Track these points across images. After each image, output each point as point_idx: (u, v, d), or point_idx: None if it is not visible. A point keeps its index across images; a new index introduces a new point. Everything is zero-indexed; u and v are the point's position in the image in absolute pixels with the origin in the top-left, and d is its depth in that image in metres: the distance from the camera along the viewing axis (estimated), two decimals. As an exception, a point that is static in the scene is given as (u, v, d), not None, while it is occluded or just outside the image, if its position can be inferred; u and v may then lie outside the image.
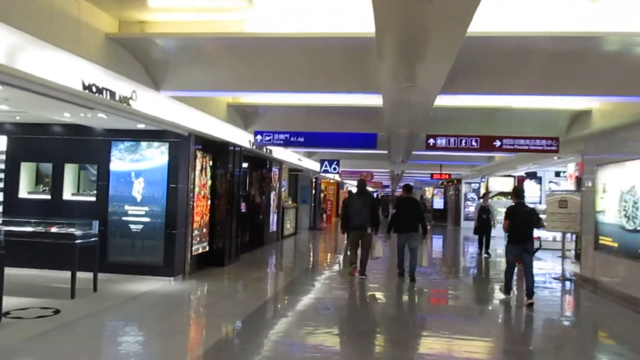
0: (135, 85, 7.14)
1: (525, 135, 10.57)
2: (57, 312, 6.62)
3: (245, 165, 15.15)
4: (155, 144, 9.22)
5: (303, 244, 18.56)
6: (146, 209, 9.20)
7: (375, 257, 10.23)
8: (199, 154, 10.04)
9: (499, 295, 9.01)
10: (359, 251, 10.09)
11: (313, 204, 23.46)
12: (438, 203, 35.81)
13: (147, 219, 9.19)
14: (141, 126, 8.66)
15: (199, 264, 10.29)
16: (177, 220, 9.15)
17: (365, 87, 7.42)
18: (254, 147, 12.49)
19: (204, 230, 10.43)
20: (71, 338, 5.84)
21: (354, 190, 40.61)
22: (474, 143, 10.87)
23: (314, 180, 23.38)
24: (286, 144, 11.26)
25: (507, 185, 23.32)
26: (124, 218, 9.23)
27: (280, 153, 15.62)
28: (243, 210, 14.93)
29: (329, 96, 9.69)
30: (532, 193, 21.55)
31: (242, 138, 11.56)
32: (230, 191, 11.21)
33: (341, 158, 19.63)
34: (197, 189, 9.94)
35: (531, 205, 9.02)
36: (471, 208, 29.06)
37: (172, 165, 9.16)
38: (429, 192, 43.35)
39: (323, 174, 22.15)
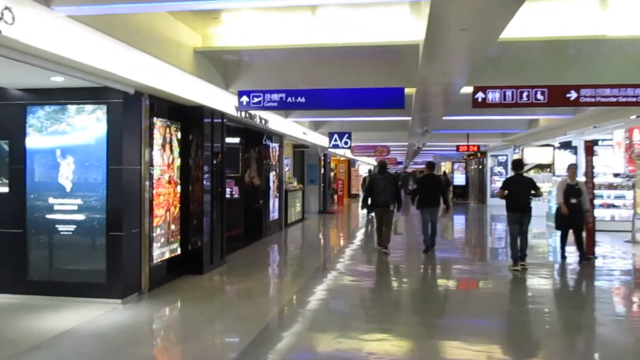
0: None
1: (618, 81, 7.56)
2: None
3: (236, 140, 12.30)
4: (88, 107, 6.35)
5: (312, 232, 15.70)
6: (79, 201, 6.38)
7: (398, 234, 10.65)
8: (158, 122, 7.16)
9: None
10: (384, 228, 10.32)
11: (322, 185, 20.58)
12: (459, 179, 32.71)
13: (80, 217, 6.37)
14: (58, 79, 5.79)
15: (169, 273, 7.51)
16: (124, 217, 6.33)
17: None
18: (241, 114, 9.58)
19: (172, 227, 7.61)
20: None
21: (362, 168, 37.96)
22: (539, 96, 7.89)
23: (322, 157, 20.45)
24: (282, 106, 8.32)
25: (546, 156, 20.28)
26: (49, 216, 6.42)
27: (279, 124, 12.71)
28: (235, 195, 12.09)
29: (338, 27, 6.84)
30: (564, 165, 18.45)
31: (223, 101, 8.66)
32: (210, 173, 8.36)
33: (353, 130, 16.67)
34: (157, 172, 7.09)
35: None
36: (498, 183, 26.10)
37: (114, 138, 6.30)
38: (446, 167, 40.26)
39: (332, 150, 19.23)
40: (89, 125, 6.34)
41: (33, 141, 6.43)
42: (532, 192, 8.62)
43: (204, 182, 8.18)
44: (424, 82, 7.64)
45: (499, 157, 26.29)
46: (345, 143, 16.52)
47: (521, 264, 8.51)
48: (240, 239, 11.75)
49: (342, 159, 28.20)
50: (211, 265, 8.40)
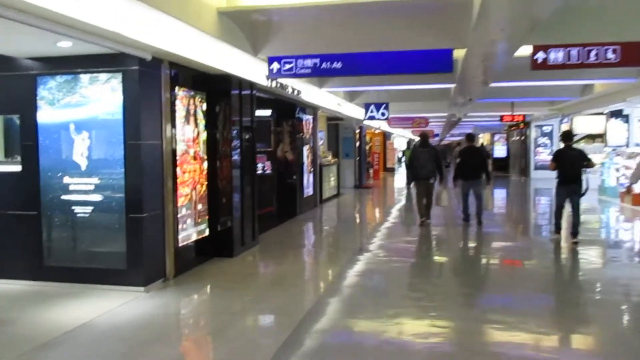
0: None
1: None
2: None
3: (267, 113, 11.62)
4: (102, 76, 5.72)
5: (349, 208, 15.01)
6: (95, 181, 5.81)
7: (442, 206, 10.56)
8: (180, 92, 6.51)
9: None
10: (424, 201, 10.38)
11: (358, 158, 19.77)
12: (500, 151, 31.32)
13: (97, 197, 5.81)
14: (65, 45, 5.17)
15: (196, 257, 6.96)
16: (144, 197, 5.74)
17: None
18: (272, 84, 8.86)
19: (199, 206, 7.01)
20: None
21: (396, 140, 36.81)
22: (610, 55, 6.90)
23: (357, 130, 19.60)
24: (316, 73, 7.53)
25: (597, 126, 18.89)
26: (64, 197, 5.89)
27: (313, 95, 11.94)
28: (267, 171, 11.47)
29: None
30: (616, 134, 17.15)
31: (252, 70, 7.94)
32: (240, 148, 7.71)
33: (390, 101, 15.78)
34: (180, 147, 6.47)
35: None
36: (543, 155, 24.79)
37: (131, 110, 5.67)
38: (484, 139, 38.77)
39: (368, 122, 18.39)
40: (103, 97, 5.72)
41: (45, 115, 5.86)
42: (584, 163, 8.28)
43: (233, 158, 7.54)
44: (477, 41, 6.72)
45: (544, 128, 24.88)
46: (382, 114, 15.68)
47: (573, 241, 8.25)
48: (273, 217, 11.16)
49: (377, 132, 27.26)
50: (242, 246, 7.81)
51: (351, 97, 16.32)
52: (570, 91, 14.99)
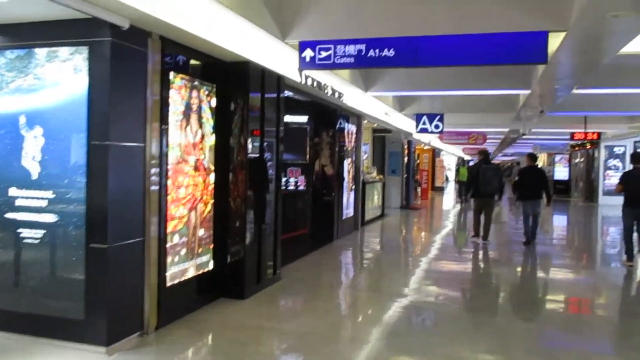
0: None
1: None
2: None
3: (302, 119, 9.97)
4: (63, 51, 4.14)
5: (395, 232, 13.04)
6: (49, 194, 4.21)
7: (502, 222, 11.18)
8: (178, 80, 4.87)
9: None
10: (481, 218, 10.34)
11: (405, 176, 17.83)
12: (561, 173, 28.59)
13: (51, 217, 4.21)
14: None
15: (194, 299, 5.28)
16: (112, 220, 4.09)
17: None
18: (306, 81, 7.18)
19: (201, 232, 5.33)
20: None
21: (446, 158, 34.72)
22: None
23: (406, 144, 17.68)
24: (360, 63, 5.76)
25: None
26: (9, 215, 4.32)
27: (357, 100, 10.21)
28: (301, 187, 9.79)
29: None
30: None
31: (279, 58, 6.27)
32: (261, 157, 6.04)
33: (445, 111, 13.89)
34: (175, 153, 4.82)
35: None
36: (614, 179, 22.08)
37: (99, 98, 4.06)
38: (541, 160, 35.97)
39: (419, 135, 16.50)
40: (64, 79, 4.14)
41: (-12, 103, 4.33)
42: None
43: (251, 170, 5.86)
44: (582, 20, 4.81)
45: (615, 149, 22.26)
46: (436, 127, 13.84)
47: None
48: (305, 241, 9.42)
49: (426, 147, 25.22)
50: (258, 284, 6.08)
51: (401, 106, 14.49)
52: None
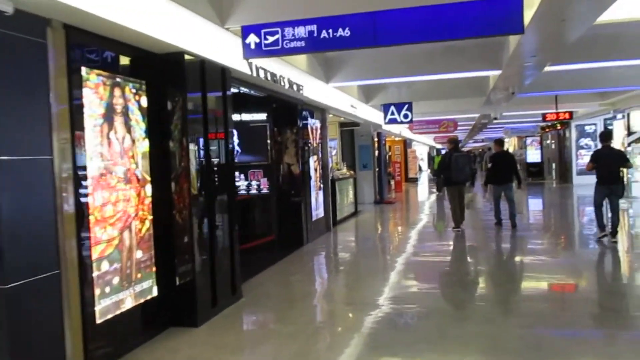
0: None
1: None
2: None
3: (261, 116, 9.22)
4: None
5: (370, 231, 12.28)
6: None
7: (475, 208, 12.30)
8: (94, 77, 4.07)
9: None
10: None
11: (377, 169, 17.20)
12: (533, 155, 28.36)
13: None
14: None
15: (139, 331, 4.50)
16: (7, 255, 3.29)
17: None
18: (258, 73, 6.43)
19: (138, 254, 4.54)
20: None
21: (417, 148, 34.36)
22: None
23: (376, 136, 17.04)
24: (313, 47, 5.03)
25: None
26: None
27: (319, 92, 9.51)
28: (264, 190, 9.04)
29: None
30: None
31: (222, 48, 5.51)
32: (208, 162, 5.28)
33: (413, 99, 13.29)
34: (96, 164, 4.02)
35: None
36: (586, 159, 21.85)
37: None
38: (510, 144, 35.83)
39: (388, 126, 15.89)
40: (-63, 82, 3.31)
41: None
42: (623, 164, 8.57)
43: (197, 177, 5.09)
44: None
45: (586, 127, 22.07)
46: (405, 116, 13.23)
47: (612, 241, 8.41)
48: (272, 249, 8.67)
49: (397, 139, 24.67)
50: (214, 307, 5.32)
51: (367, 97, 13.84)
52: (630, 79, 12.22)
